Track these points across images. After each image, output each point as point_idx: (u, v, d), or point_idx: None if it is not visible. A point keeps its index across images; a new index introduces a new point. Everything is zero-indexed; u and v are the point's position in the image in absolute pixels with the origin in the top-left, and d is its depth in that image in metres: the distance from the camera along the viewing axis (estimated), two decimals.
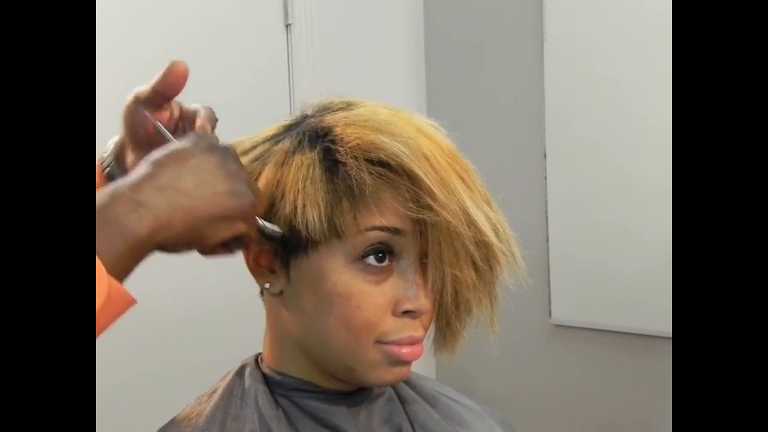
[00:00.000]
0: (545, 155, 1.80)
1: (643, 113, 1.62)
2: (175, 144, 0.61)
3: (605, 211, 1.70)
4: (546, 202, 1.80)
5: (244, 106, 1.61)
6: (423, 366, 2.07)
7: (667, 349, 1.59)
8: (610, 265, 1.69)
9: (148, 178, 0.57)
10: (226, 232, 0.61)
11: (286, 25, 1.78)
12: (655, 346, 1.63)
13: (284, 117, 0.73)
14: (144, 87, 0.67)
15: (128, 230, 0.54)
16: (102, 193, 0.55)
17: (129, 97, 0.68)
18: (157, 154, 0.60)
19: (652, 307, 1.61)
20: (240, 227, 0.62)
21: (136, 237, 0.54)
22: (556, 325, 1.83)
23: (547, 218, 1.80)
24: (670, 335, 1.53)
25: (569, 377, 1.82)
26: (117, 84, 1.38)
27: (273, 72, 1.75)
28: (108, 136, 0.74)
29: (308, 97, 0.73)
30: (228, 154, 0.62)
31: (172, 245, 0.58)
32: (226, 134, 0.83)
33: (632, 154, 1.64)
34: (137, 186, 0.56)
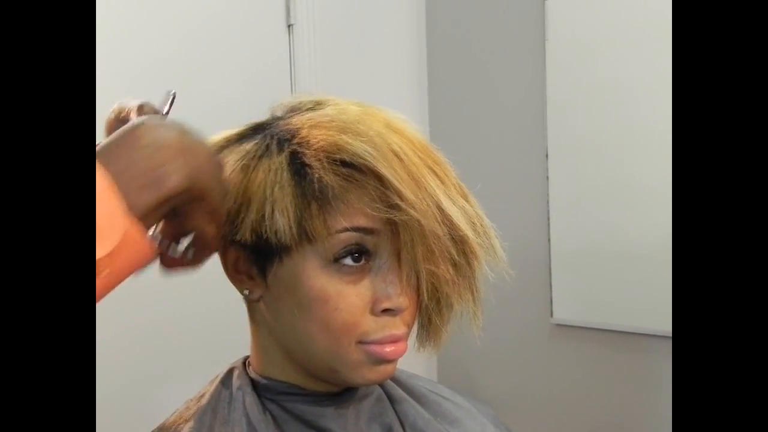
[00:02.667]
0: (547, 155, 1.81)
1: (644, 113, 1.62)
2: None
3: (606, 211, 1.70)
4: (548, 202, 1.80)
5: (246, 107, 1.60)
6: (424, 366, 2.07)
7: (668, 348, 1.59)
8: (611, 264, 1.69)
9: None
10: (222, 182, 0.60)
11: (288, 26, 1.78)
12: (656, 345, 1.63)
13: None
14: (132, 107, 0.65)
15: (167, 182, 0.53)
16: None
17: (114, 110, 0.65)
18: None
19: (653, 307, 1.61)
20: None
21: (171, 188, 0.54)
22: (558, 325, 1.83)
23: (548, 218, 1.80)
24: (671, 334, 1.53)
25: (570, 376, 1.82)
26: (118, 83, 1.38)
27: (275, 73, 1.76)
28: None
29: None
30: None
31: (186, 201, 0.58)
32: None
33: (634, 155, 1.64)
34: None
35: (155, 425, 0.72)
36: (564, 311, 1.80)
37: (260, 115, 0.72)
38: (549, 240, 1.80)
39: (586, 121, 1.73)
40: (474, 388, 1.98)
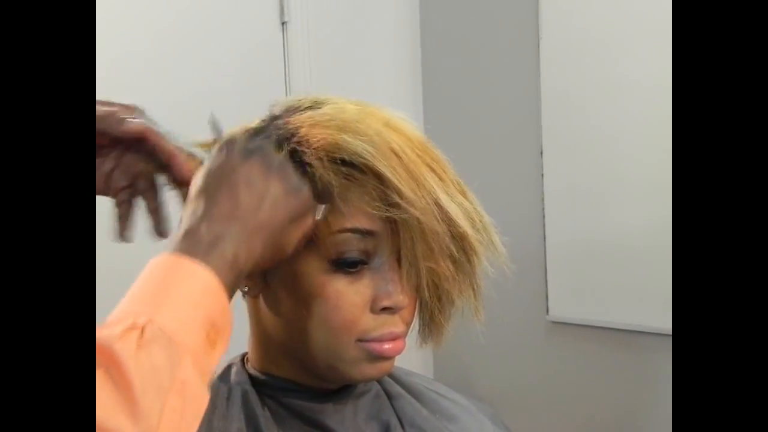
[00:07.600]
0: (542, 153, 1.80)
1: (640, 110, 1.62)
2: (211, 161, 0.60)
3: (602, 207, 1.70)
4: (543, 199, 1.80)
5: (240, 104, 1.60)
6: (420, 363, 2.07)
7: (666, 345, 1.60)
8: (607, 261, 1.69)
9: (207, 215, 0.56)
10: (298, 232, 0.61)
11: (282, 23, 1.77)
12: (654, 342, 1.63)
13: None
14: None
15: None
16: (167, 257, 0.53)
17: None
18: (200, 181, 0.58)
19: (650, 304, 1.61)
20: (308, 222, 0.61)
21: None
22: (554, 322, 1.83)
23: (543, 215, 1.80)
24: (669, 332, 1.53)
25: (567, 374, 1.82)
26: (110, 79, 1.38)
27: (269, 70, 1.75)
28: None
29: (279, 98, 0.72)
30: (264, 150, 0.61)
31: (258, 266, 0.59)
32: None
33: (629, 151, 1.64)
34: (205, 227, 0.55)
35: None
36: (560, 309, 1.80)
37: (254, 114, 0.71)
38: (544, 237, 1.80)
39: (580, 118, 1.73)
40: (470, 385, 1.98)
